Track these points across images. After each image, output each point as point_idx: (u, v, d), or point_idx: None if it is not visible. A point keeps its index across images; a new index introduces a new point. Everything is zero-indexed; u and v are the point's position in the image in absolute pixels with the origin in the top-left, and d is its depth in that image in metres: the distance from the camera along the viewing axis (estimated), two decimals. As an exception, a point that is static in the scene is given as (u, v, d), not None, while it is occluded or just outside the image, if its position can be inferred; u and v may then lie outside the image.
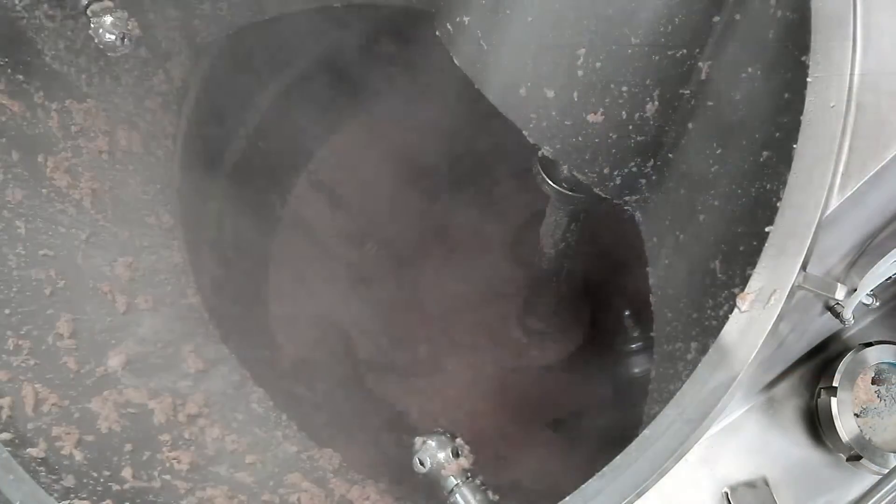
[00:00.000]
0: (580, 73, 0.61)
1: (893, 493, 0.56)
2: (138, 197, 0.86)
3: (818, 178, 0.40)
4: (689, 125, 0.61)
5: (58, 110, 0.76)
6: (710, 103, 0.58)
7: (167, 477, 0.69)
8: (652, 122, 0.63)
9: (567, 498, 0.41)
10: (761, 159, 0.47)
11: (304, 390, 1.10)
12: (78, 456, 0.63)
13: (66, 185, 0.77)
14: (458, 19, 0.67)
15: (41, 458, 0.60)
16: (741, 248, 0.47)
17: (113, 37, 0.73)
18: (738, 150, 0.53)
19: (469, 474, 0.56)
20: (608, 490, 0.41)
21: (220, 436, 0.80)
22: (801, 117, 0.40)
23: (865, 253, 0.50)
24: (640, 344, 1.23)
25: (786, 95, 0.44)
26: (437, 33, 0.71)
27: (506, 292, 1.39)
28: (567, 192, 0.84)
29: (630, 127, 0.63)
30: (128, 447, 0.68)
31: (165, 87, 0.90)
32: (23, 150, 0.73)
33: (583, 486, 0.41)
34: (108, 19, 0.72)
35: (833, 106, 0.39)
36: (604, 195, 0.70)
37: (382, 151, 1.30)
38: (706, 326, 0.50)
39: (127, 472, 0.66)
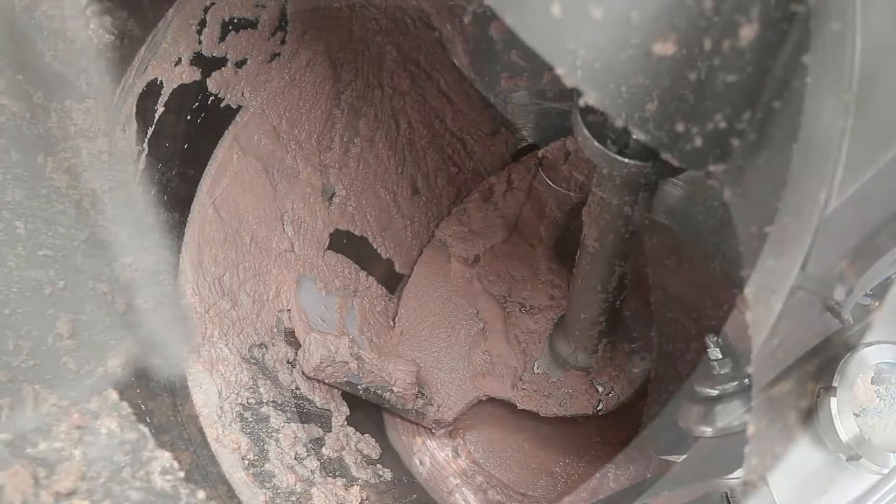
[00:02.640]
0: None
1: (893, 493, 0.56)
2: (138, 197, 0.86)
3: (818, 178, 0.39)
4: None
5: (57, 110, 0.76)
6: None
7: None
8: (748, 55, 0.44)
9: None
10: (760, 160, 0.47)
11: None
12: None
13: (66, 186, 0.77)
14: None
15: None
16: (740, 249, 0.47)
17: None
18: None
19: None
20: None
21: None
22: (801, 118, 0.40)
23: (864, 253, 0.50)
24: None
25: (785, 95, 0.44)
26: None
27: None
28: (620, 158, 0.62)
29: (717, 61, 0.45)
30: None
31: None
32: (22, 150, 0.73)
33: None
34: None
35: (832, 106, 0.39)
36: (677, 164, 0.50)
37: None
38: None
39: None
